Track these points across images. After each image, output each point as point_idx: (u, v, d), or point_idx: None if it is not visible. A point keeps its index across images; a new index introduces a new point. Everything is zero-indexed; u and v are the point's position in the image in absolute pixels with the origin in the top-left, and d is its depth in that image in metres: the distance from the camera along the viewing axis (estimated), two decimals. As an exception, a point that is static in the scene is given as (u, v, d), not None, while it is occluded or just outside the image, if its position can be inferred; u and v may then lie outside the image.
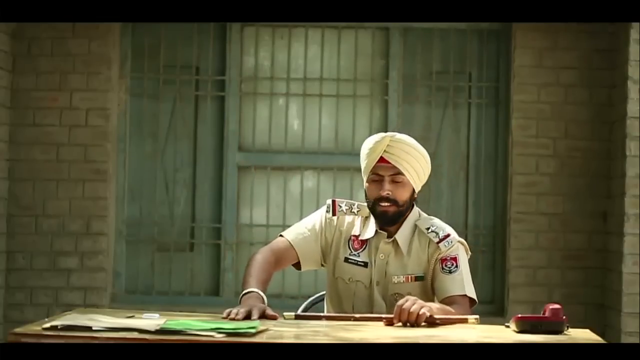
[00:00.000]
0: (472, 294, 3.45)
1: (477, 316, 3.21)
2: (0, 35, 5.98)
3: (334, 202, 3.57)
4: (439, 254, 3.46)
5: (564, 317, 3.00)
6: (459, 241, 3.50)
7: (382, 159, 3.45)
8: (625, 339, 5.65)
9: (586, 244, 6.10)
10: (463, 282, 3.43)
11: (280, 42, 6.39)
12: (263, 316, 3.12)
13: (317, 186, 6.35)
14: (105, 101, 6.16)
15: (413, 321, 3.06)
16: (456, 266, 3.44)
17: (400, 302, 3.11)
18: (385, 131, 6.30)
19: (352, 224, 3.56)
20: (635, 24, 5.72)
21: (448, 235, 3.49)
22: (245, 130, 6.36)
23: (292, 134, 6.36)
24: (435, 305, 3.23)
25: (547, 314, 3.00)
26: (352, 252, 3.53)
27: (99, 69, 6.16)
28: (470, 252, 3.57)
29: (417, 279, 3.48)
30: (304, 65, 6.37)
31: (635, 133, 5.72)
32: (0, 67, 6.00)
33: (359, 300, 3.51)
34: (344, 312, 3.50)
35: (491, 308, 6.15)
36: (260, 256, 3.47)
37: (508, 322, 3.09)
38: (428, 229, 3.50)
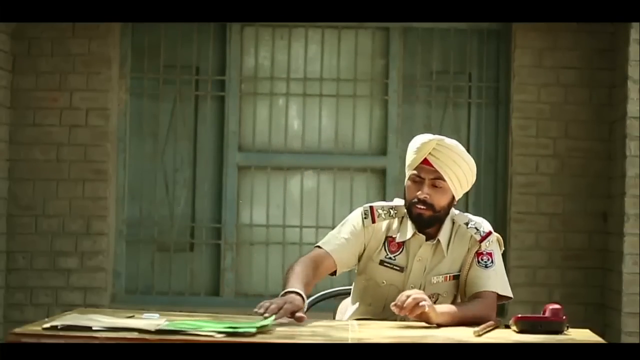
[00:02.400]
0: (504, 291, 3.37)
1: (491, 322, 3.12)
2: (0, 35, 5.98)
3: (372, 208, 3.46)
4: (477, 249, 3.38)
5: (564, 317, 3.00)
6: (497, 237, 3.44)
7: (425, 161, 3.35)
8: (625, 339, 5.65)
9: (586, 244, 6.10)
10: (496, 279, 3.36)
11: (280, 42, 6.39)
12: (292, 315, 3.02)
13: (317, 186, 6.35)
14: (105, 101, 6.16)
15: (411, 307, 3.04)
16: (492, 261, 3.37)
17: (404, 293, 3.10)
18: (385, 131, 6.38)
19: (389, 226, 3.45)
20: (635, 24, 5.72)
21: (490, 234, 3.40)
22: (245, 130, 6.36)
23: (292, 134, 6.36)
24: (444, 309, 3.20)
25: (547, 314, 3.00)
26: (388, 254, 3.43)
27: (99, 69, 6.16)
28: (503, 247, 3.48)
29: (454, 277, 3.40)
30: (304, 65, 6.37)
31: (635, 133, 5.71)
32: (0, 67, 6.00)
33: (390, 303, 3.34)
34: (374, 312, 3.44)
35: (491, 308, 6.14)
36: (299, 267, 3.32)
37: (508, 322, 3.09)
38: (467, 223, 3.41)
